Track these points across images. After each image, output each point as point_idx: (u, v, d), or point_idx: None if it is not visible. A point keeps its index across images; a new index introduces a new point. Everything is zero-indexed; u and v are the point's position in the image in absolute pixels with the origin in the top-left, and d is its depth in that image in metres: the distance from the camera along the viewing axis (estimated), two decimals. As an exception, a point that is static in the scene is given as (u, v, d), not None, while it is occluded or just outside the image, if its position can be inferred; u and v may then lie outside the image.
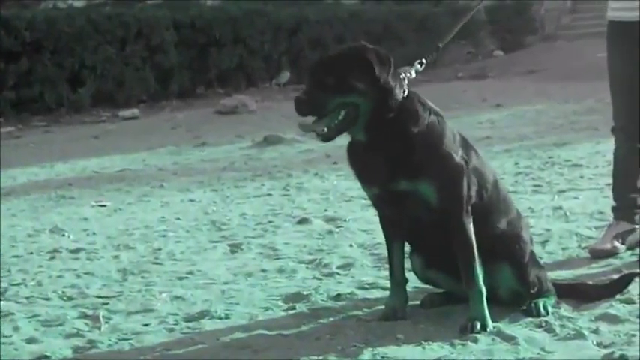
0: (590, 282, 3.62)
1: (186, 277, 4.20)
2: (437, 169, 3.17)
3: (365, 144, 3.20)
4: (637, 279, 3.49)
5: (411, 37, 17.99)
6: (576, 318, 3.21)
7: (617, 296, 3.40)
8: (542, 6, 20.49)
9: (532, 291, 3.30)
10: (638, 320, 3.15)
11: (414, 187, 3.16)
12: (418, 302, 3.53)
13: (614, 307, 3.28)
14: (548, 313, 3.26)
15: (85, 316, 3.66)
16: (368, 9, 18.13)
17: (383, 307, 3.42)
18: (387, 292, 3.66)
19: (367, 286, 3.84)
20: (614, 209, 4.31)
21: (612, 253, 4.09)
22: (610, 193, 4.32)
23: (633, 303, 3.31)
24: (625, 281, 3.45)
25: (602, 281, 3.60)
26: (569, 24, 20.61)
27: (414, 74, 3.31)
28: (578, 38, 18.86)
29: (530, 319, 3.24)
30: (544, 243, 4.36)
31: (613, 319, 3.16)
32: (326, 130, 3.14)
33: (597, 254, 4.09)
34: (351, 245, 4.59)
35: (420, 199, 3.18)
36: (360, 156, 3.24)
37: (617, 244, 4.12)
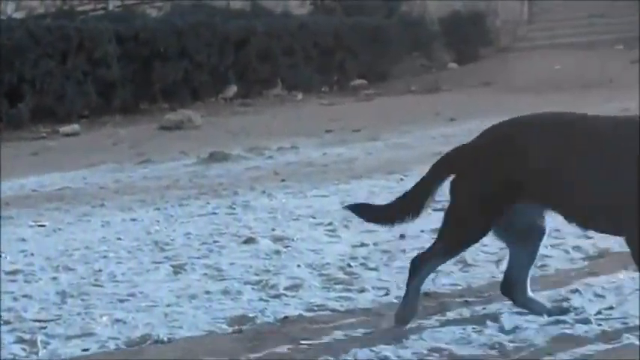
0: None
1: (128, 300, 4.08)
2: None
3: None
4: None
5: (362, 49, 17.98)
6: (532, 339, 3.16)
7: (574, 316, 3.36)
8: (497, 17, 20.59)
9: None
10: (594, 340, 3.11)
11: None
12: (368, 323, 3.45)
13: (572, 327, 3.24)
14: None
15: (22, 340, 3.55)
16: (318, 20, 18.05)
17: (329, 329, 3.35)
18: (336, 314, 3.60)
19: (315, 308, 3.74)
20: None
21: None
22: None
23: (590, 323, 3.27)
24: None
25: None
26: (525, 36, 20.70)
27: None
28: (534, 50, 18.91)
29: (483, 340, 3.18)
30: (498, 262, 4.27)
31: (569, 340, 3.12)
32: None
33: None
34: (298, 266, 4.50)
35: None
36: None
37: None
